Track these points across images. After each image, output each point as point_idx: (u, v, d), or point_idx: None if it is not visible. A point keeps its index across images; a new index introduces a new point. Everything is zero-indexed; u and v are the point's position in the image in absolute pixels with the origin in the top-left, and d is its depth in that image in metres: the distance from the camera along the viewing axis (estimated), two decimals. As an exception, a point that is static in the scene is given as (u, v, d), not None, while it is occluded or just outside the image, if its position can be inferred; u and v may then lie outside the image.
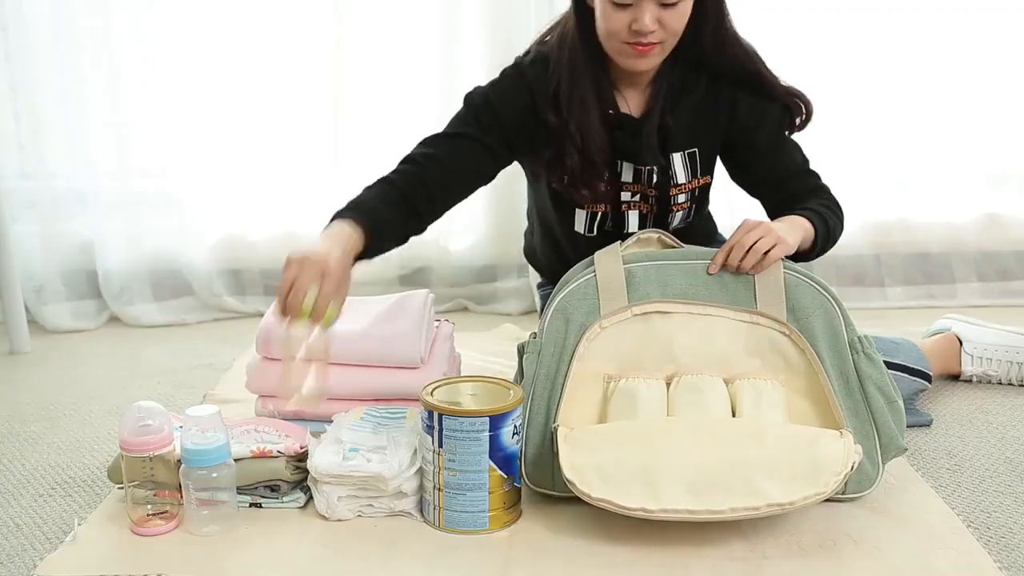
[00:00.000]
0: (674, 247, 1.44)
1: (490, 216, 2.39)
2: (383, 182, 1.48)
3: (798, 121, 1.57)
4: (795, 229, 1.42)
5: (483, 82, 2.26)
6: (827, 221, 1.47)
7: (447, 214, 2.36)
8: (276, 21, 2.29)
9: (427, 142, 1.54)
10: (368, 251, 1.38)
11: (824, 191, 1.55)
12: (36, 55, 2.21)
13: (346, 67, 2.28)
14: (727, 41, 1.50)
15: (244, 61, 2.29)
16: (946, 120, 2.35)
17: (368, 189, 1.47)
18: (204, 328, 2.32)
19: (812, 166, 1.59)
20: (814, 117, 1.58)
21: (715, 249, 1.43)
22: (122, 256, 2.33)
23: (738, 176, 1.63)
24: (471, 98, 1.55)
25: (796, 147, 1.59)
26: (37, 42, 2.21)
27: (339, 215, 1.39)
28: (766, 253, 1.35)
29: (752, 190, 1.62)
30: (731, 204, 2.20)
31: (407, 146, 2.32)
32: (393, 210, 1.44)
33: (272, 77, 2.31)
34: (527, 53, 1.58)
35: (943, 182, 2.40)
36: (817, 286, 1.37)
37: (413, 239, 2.40)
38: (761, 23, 2.15)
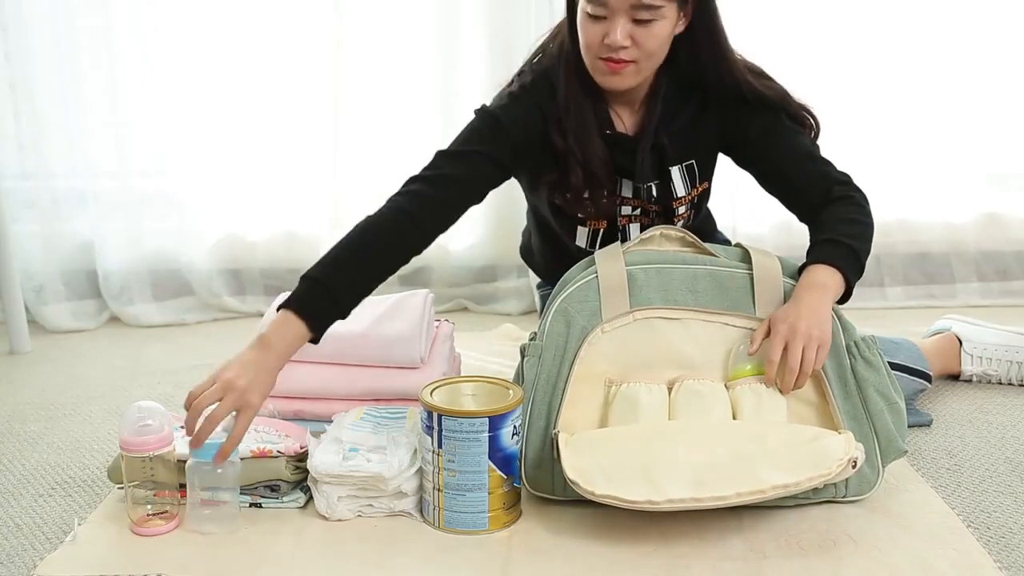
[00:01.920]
0: (681, 237, 1.43)
1: (490, 216, 2.39)
2: (386, 222, 1.41)
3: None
4: (823, 303, 1.33)
5: (482, 81, 2.29)
6: (853, 246, 1.39)
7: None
8: (276, 21, 2.29)
9: (444, 157, 1.48)
10: (320, 329, 1.33)
11: (848, 201, 1.46)
12: (36, 55, 2.21)
13: (346, 67, 2.28)
14: (727, 66, 1.48)
15: (244, 61, 2.29)
16: (946, 120, 2.34)
17: (350, 238, 1.40)
18: (204, 328, 2.32)
19: (834, 169, 1.51)
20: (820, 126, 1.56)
21: (716, 246, 1.43)
22: (122, 256, 2.33)
23: (759, 180, 1.59)
24: (482, 114, 1.51)
25: (799, 141, 1.53)
26: (37, 42, 2.21)
27: (291, 302, 1.31)
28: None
29: (772, 191, 1.57)
30: (732, 202, 2.21)
31: (407, 146, 2.35)
32: (374, 258, 1.40)
33: (272, 77, 2.31)
34: (521, 73, 1.55)
35: (943, 182, 2.39)
36: None
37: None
38: (760, 23, 2.17)
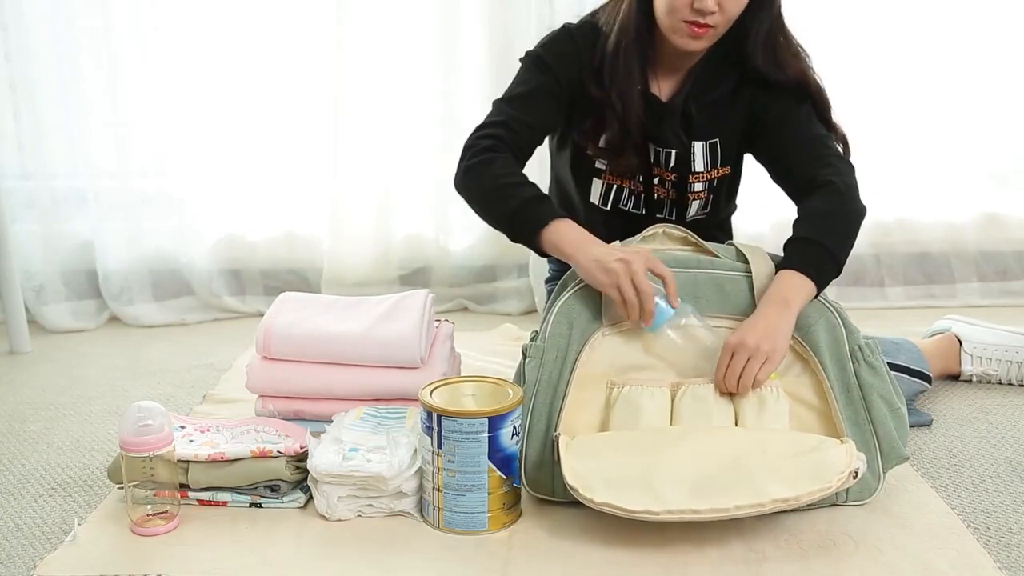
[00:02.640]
0: (684, 237, 1.44)
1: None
2: (509, 158, 1.49)
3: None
4: (782, 318, 1.33)
5: (482, 81, 2.29)
6: (826, 244, 1.38)
7: (448, 211, 2.39)
8: (276, 21, 2.29)
9: (507, 103, 1.55)
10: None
11: (828, 189, 1.44)
12: (36, 55, 2.21)
13: (346, 67, 2.28)
14: (776, 49, 1.50)
15: (244, 61, 2.29)
16: (946, 120, 2.34)
17: (508, 170, 1.47)
18: (204, 328, 2.32)
19: (833, 152, 1.51)
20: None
21: (716, 246, 1.43)
22: (122, 256, 2.33)
23: (771, 174, 1.59)
24: (528, 58, 1.58)
25: (813, 135, 1.52)
26: (37, 42, 2.21)
27: (554, 213, 1.41)
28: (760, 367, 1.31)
29: (781, 185, 1.57)
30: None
31: (407, 147, 2.35)
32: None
33: (272, 77, 2.31)
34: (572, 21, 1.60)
35: (943, 182, 2.39)
36: (819, 298, 1.37)
37: (412, 239, 2.42)
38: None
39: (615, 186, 1.61)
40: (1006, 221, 2.41)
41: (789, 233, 2.04)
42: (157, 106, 2.28)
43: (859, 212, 1.45)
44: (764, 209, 2.27)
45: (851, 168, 1.50)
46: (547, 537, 1.26)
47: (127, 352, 2.12)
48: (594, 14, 1.59)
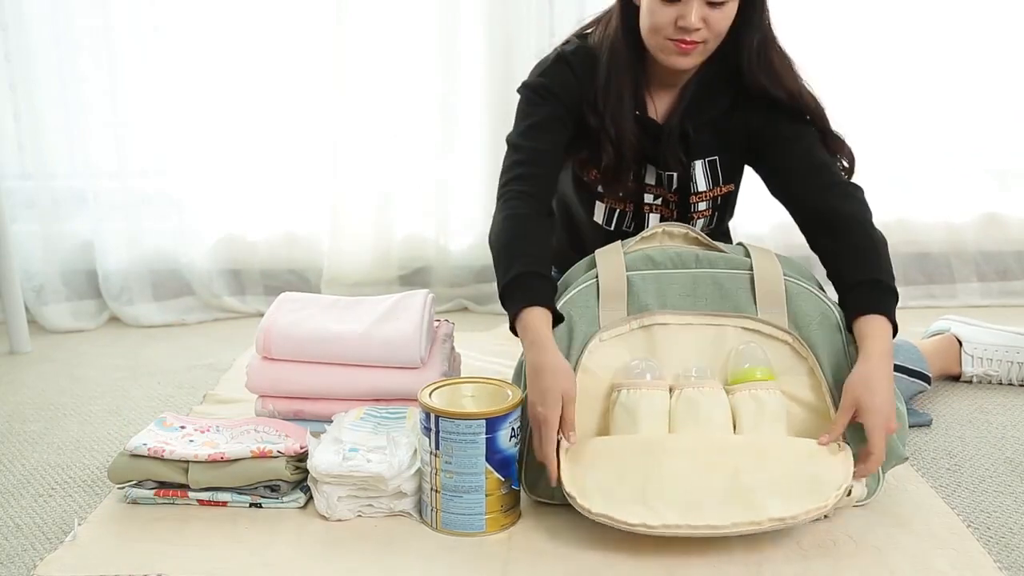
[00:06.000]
0: (684, 234, 1.44)
1: (490, 216, 2.38)
2: (531, 213, 1.46)
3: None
4: (883, 367, 1.29)
5: (482, 81, 2.29)
6: (888, 288, 1.37)
7: (448, 211, 2.39)
8: (276, 21, 2.29)
9: (521, 136, 1.51)
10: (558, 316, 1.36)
11: (854, 224, 1.42)
12: (36, 55, 2.21)
13: (346, 68, 2.28)
14: (769, 62, 1.47)
15: (244, 61, 2.29)
16: (946, 120, 2.34)
17: (520, 231, 1.45)
18: (204, 328, 2.32)
19: (841, 178, 1.49)
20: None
21: (720, 244, 1.43)
22: (122, 256, 2.33)
23: (765, 182, 1.57)
24: (528, 89, 1.53)
25: (820, 159, 1.50)
26: (37, 42, 2.21)
27: (528, 299, 1.34)
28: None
29: (784, 204, 1.54)
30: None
31: (407, 146, 2.34)
32: (546, 242, 1.46)
33: (272, 77, 2.31)
34: (567, 42, 1.56)
35: (943, 182, 2.39)
36: (818, 294, 1.37)
37: (412, 238, 2.42)
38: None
39: (617, 210, 1.60)
40: (1006, 221, 2.41)
41: (789, 234, 2.03)
42: (157, 106, 2.28)
43: (885, 238, 1.43)
44: (764, 210, 2.27)
45: (862, 192, 1.46)
46: (547, 539, 1.26)
47: (127, 352, 2.12)
48: (583, 36, 1.55)
